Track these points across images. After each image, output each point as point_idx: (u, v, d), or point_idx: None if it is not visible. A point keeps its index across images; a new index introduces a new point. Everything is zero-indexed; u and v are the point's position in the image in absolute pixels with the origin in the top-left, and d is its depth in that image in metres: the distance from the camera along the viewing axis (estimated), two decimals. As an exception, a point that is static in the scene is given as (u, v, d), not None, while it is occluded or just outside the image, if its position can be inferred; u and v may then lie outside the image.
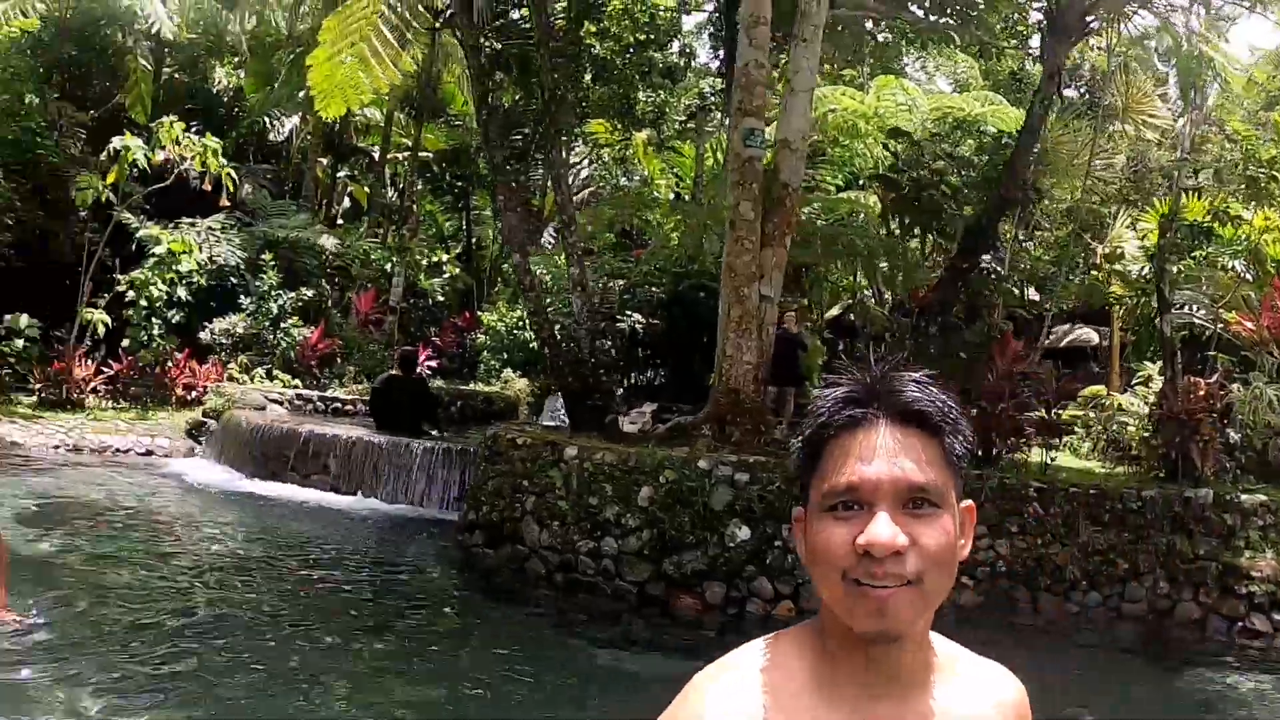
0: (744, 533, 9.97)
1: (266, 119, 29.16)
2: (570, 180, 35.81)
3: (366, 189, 32.81)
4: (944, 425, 1.49)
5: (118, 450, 17.17)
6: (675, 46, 24.14)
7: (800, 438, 1.54)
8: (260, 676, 7.04)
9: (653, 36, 21.91)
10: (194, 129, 21.88)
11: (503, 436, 11.98)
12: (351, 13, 15.75)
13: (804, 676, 1.49)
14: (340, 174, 33.71)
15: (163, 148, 19.81)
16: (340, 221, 33.32)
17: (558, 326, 14.71)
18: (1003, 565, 10.29)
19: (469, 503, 12.39)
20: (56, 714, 5.79)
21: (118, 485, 14.76)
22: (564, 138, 22.79)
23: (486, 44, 15.92)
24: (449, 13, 19.58)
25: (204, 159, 20.09)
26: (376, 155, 30.98)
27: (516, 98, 19.89)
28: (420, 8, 17.87)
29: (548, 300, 18.31)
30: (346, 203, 36.07)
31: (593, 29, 20.15)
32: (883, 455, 1.44)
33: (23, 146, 21.48)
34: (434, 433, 15.69)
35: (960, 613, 9.66)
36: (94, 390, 19.87)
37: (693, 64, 26.14)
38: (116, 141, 19.71)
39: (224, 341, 22.08)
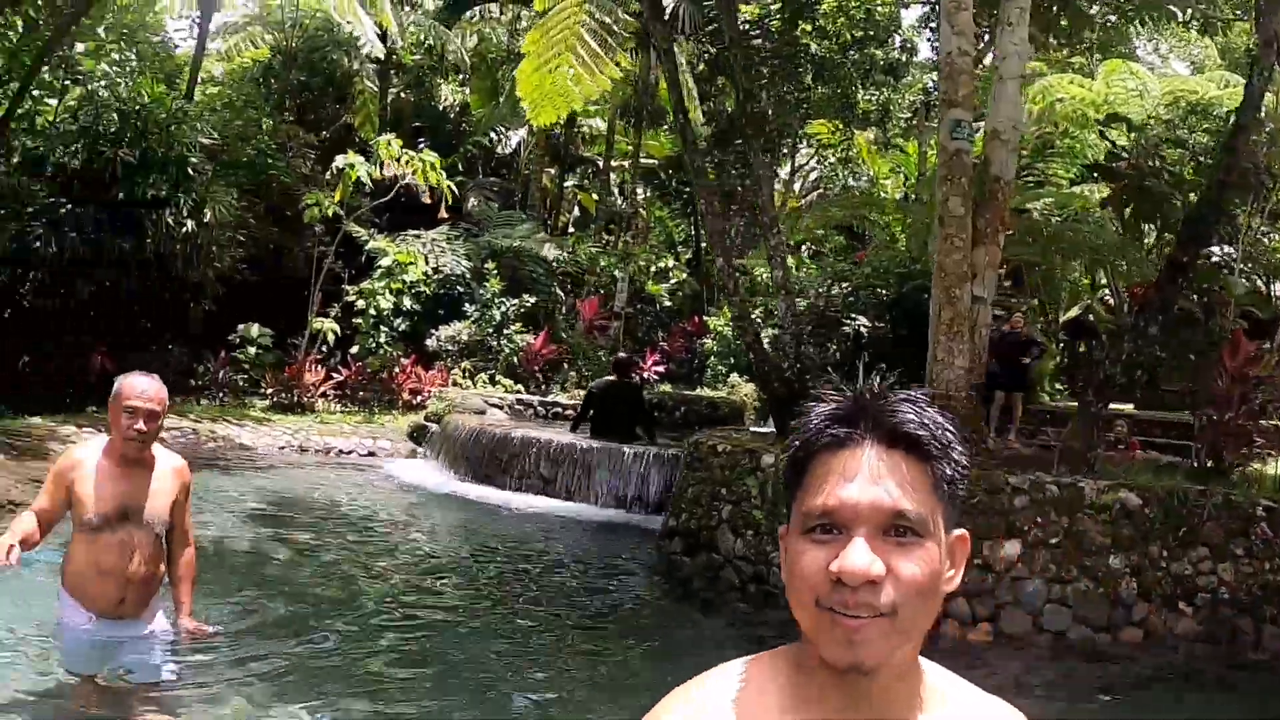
0: (940, 549, 9.24)
1: (493, 133, 29.65)
2: (799, 182, 35.72)
3: (595, 197, 33.09)
4: (933, 449, 1.40)
5: (341, 451, 17.53)
6: (896, 42, 23.48)
7: (785, 454, 1.48)
8: (456, 676, 6.88)
9: (871, 33, 21.26)
10: (421, 145, 22.41)
11: (703, 443, 11.60)
12: (554, 24, 15.69)
13: (776, 700, 1.43)
14: (568, 184, 34.06)
15: (383, 164, 20.29)
16: (571, 230, 33.71)
17: (768, 331, 14.29)
18: (1225, 592, 9.17)
19: (670, 509, 12.05)
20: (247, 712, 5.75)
21: (335, 484, 15.04)
22: (779, 138, 22.52)
23: (697, 47, 15.87)
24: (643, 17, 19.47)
25: (424, 173, 20.55)
26: (601, 164, 31.22)
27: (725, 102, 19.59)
28: (622, 14, 17.73)
29: (761, 303, 17.98)
30: (576, 212, 36.50)
31: (808, 28, 19.67)
32: (864, 478, 1.37)
33: (256, 168, 22.29)
34: (646, 438, 15.47)
35: (1174, 641, 8.80)
36: (323, 395, 20.41)
37: (913, 59, 25.46)
38: (340, 160, 20.25)
39: (449, 348, 22.46)
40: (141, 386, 4.67)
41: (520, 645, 7.96)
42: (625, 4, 17.60)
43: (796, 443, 1.44)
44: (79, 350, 16.80)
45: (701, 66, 25.66)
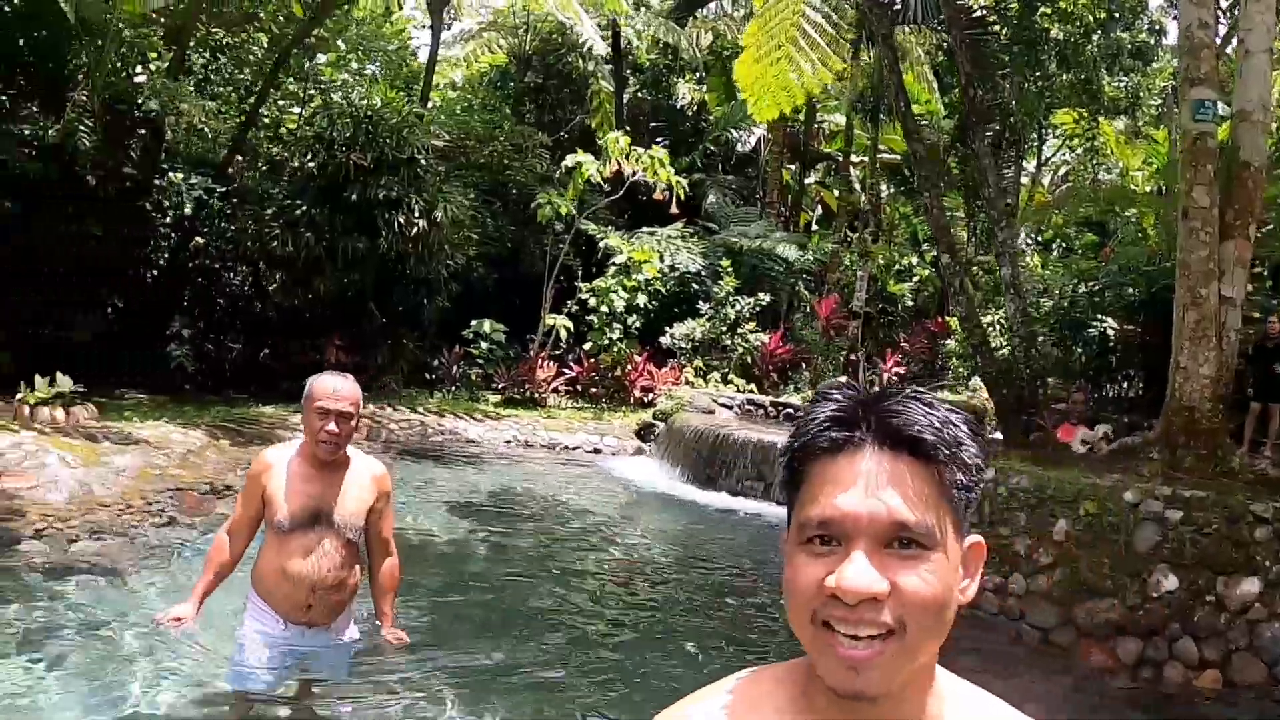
0: (1170, 581, 8.15)
1: (733, 131, 29.32)
2: (1048, 176, 34.04)
3: (836, 194, 32.32)
4: (941, 451, 1.28)
5: (566, 447, 17.43)
6: (1144, 24, 21.87)
7: (782, 456, 1.40)
8: (646, 689, 6.58)
9: (1116, 15, 19.83)
10: (660, 144, 22.32)
11: None
12: (774, 15, 15.18)
13: (774, 717, 1.37)
14: (809, 180, 33.42)
15: (612, 161, 20.13)
16: (815, 227, 33.10)
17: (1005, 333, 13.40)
18: None
19: None
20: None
21: (555, 480, 14.91)
22: (1022, 129, 21.34)
23: (936, 36, 15.07)
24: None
25: (654, 169, 20.33)
26: (842, 159, 30.45)
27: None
28: (843, 4, 17.04)
29: (1003, 303, 16.95)
30: (818, 210, 35.81)
31: (1048, 11, 18.46)
32: (864, 486, 1.27)
33: (493, 169, 22.65)
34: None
35: None
36: (554, 391, 20.41)
37: (1163, 42, 23.63)
38: (570, 158, 20.20)
39: (683, 346, 22.22)
40: (333, 386, 4.44)
41: (720, 662, 7.53)
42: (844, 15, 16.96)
43: (794, 444, 1.35)
44: (315, 345, 17.23)
45: (941, 56, 24.67)
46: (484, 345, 20.06)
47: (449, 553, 9.91)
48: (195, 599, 4.62)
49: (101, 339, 16.10)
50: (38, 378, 12.76)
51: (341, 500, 4.55)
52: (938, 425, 1.28)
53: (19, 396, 12.66)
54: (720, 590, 9.88)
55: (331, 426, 4.39)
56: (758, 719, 1.36)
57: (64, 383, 12.79)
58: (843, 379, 21.13)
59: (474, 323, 20.10)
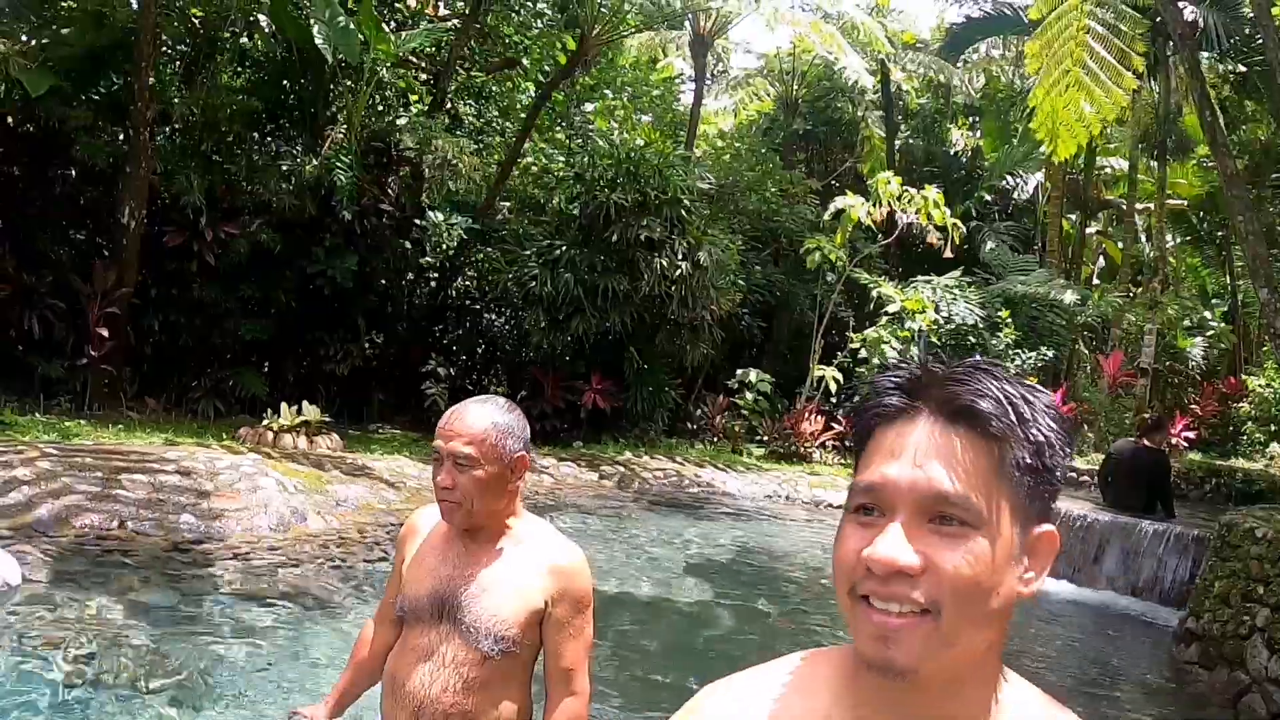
0: None
1: (1009, 176, 27.71)
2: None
3: (1120, 244, 30.12)
4: (999, 425, 1.18)
5: (829, 505, 15.95)
6: None
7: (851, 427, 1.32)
8: None
9: None
10: (934, 190, 21.14)
11: (1238, 525, 8.97)
12: (1054, 35, 13.77)
13: (822, 700, 1.30)
14: (1090, 229, 31.34)
15: (883, 204, 18.92)
16: (1096, 280, 31.10)
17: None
18: None
19: (1190, 606, 9.08)
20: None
21: (811, 539, 13.60)
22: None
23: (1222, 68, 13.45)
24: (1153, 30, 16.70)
25: (926, 211, 18.99)
26: (1125, 206, 28.33)
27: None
28: (1132, 14, 15.31)
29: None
30: (1101, 261, 33.67)
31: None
32: (911, 456, 1.20)
33: (762, 216, 21.69)
34: (1165, 513, 12.92)
35: None
36: (821, 445, 19.04)
37: None
38: (839, 201, 19.09)
39: (959, 402, 20.70)
40: (452, 417, 2.85)
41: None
42: (1132, 26, 15.25)
43: (857, 412, 1.29)
44: (573, 387, 16.71)
45: (1226, 90, 22.49)
46: (749, 396, 18.89)
47: (686, 614, 8.94)
48: (330, 702, 3.14)
49: (359, 373, 16.12)
50: (284, 405, 12.85)
51: (480, 589, 2.83)
52: (1002, 397, 1.18)
53: (265, 422, 12.79)
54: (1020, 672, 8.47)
55: (443, 476, 2.81)
56: (806, 699, 1.30)
57: (310, 412, 12.86)
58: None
59: (740, 372, 19.05)
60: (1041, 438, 1.17)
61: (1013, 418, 1.16)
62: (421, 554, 2.97)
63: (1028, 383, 1.20)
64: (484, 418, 2.82)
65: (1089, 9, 14.11)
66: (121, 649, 5.98)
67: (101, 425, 12.13)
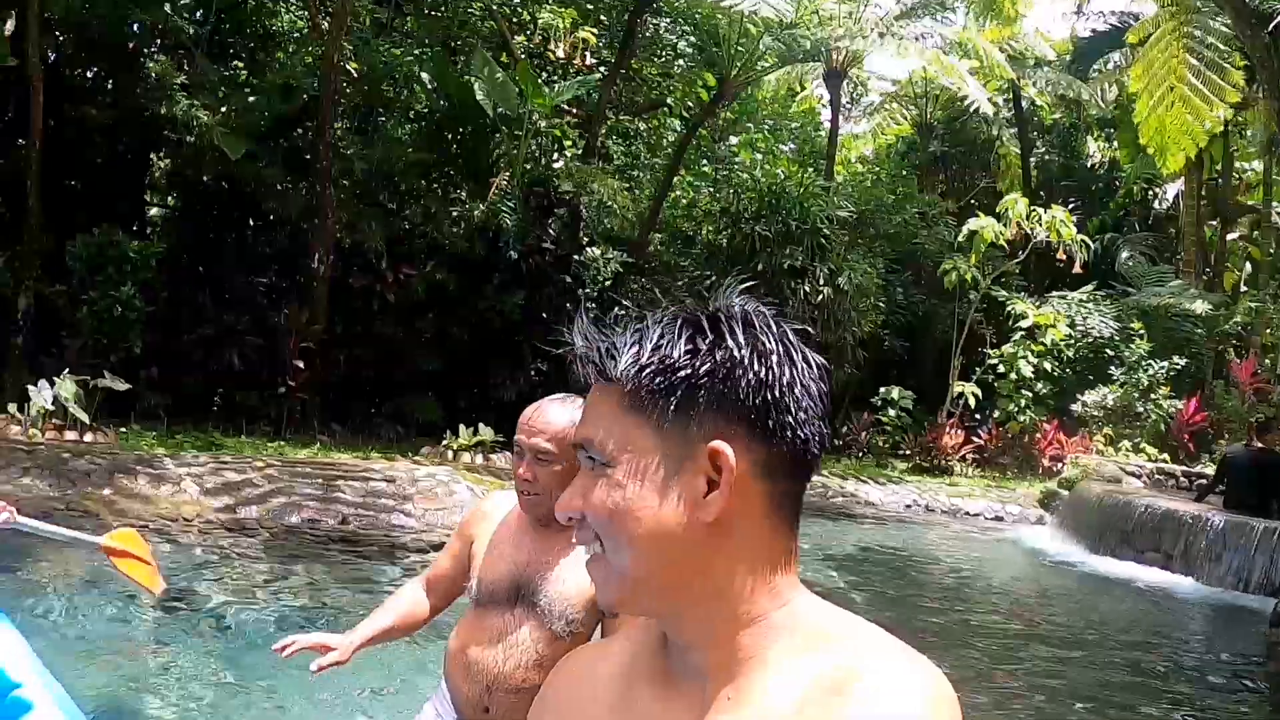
0: None
1: (1146, 186, 28.01)
2: None
3: (1269, 252, 30.00)
4: (593, 367, 1.20)
5: (966, 514, 16.77)
6: None
7: None
8: None
9: None
10: (1071, 205, 21.81)
11: None
12: (1156, 56, 14.51)
13: (624, 658, 1.31)
14: (1231, 236, 31.22)
15: (1010, 224, 19.47)
16: (1244, 287, 30.83)
17: None
18: None
19: None
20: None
21: (947, 543, 14.53)
22: None
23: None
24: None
25: (1055, 229, 19.70)
26: (1261, 210, 28.26)
27: None
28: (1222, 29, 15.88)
29: None
30: (1246, 268, 33.35)
31: None
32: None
33: (901, 239, 22.45)
34: (1280, 512, 13.57)
35: None
36: (961, 459, 19.76)
37: None
38: (972, 223, 19.80)
39: (1095, 414, 21.30)
40: (534, 414, 3.09)
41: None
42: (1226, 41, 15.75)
43: None
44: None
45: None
46: (892, 412, 19.71)
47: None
48: (357, 637, 3.32)
49: (525, 398, 17.16)
50: (461, 427, 14.17)
51: (555, 575, 3.12)
52: (590, 341, 1.20)
53: (444, 442, 14.17)
54: (1118, 661, 9.14)
55: (523, 470, 3.07)
56: (612, 659, 1.33)
57: (485, 433, 14.12)
58: None
59: (883, 390, 19.88)
60: (639, 364, 1.16)
61: (602, 355, 1.19)
62: (496, 541, 3.24)
63: (646, 323, 1.19)
64: (563, 416, 3.00)
65: (1186, 30, 14.79)
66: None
67: (299, 447, 13.65)
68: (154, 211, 18.85)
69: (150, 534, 8.90)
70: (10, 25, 14.16)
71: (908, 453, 19.69)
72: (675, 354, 1.15)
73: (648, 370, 1.15)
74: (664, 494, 1.15)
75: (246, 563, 9.07)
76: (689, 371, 1.15)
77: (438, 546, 9.73)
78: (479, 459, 13.87)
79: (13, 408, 11.95)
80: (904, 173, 25.15)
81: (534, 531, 3.17)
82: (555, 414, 3.04)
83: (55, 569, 8.00)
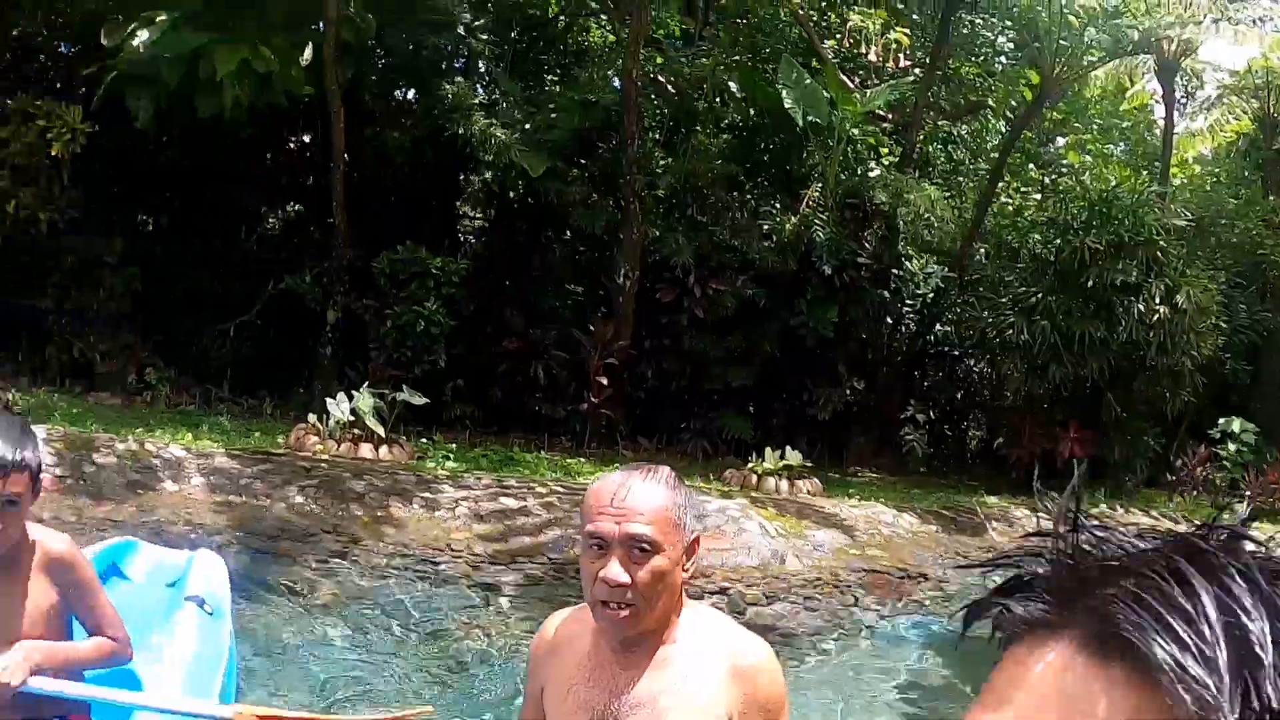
0: None
1: None
2: None
3: None
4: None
5: None
6: None
7: None
8: None
9: None
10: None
11: None
12: None
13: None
14: None
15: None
16: None
17: None
18: None
19: None
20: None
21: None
22: None
23: None
24: None
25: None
26: None
27: None
28: None
29: None
30: None
31: None
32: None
33: (1245, 249, 20.30)
34: None
35: None
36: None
37: None
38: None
39: None
40: (618, 491, 2.23)
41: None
42: None
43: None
44: (1050, 434, 16.36)
45: None
46: (1232, 446, 17.88)
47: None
48: None
49: (839, 417, 16.60)
50: (768, 450, 13.64)
51: (652, 715, 2.26)
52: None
53: (749, 465, 13.63)
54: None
55: (612, 570, 2.18)
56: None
57: (793, 457, 13.49)
58: None
59: (1222, 421, 18.10)
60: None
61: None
62: (565, 680, 2.39)
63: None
64: (659, 492, 2.27)
65: None
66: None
67: (599, 463, 13.29)
68: (465, 226, 19.20)
69: (411, 565, 9.31)
70: (308, 54, 14.55)
71: (1249, 492, 17.76)
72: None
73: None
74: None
75: (498, 597, 9.20)
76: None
77: (718, 591, 9.22)
78: (784, 485, 13.18)
79: (313, 418, 12.18)
80: (1246, 173, 22.91)
81: (614, 657, 2.32)
82: (650, 490, 2.25)
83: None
